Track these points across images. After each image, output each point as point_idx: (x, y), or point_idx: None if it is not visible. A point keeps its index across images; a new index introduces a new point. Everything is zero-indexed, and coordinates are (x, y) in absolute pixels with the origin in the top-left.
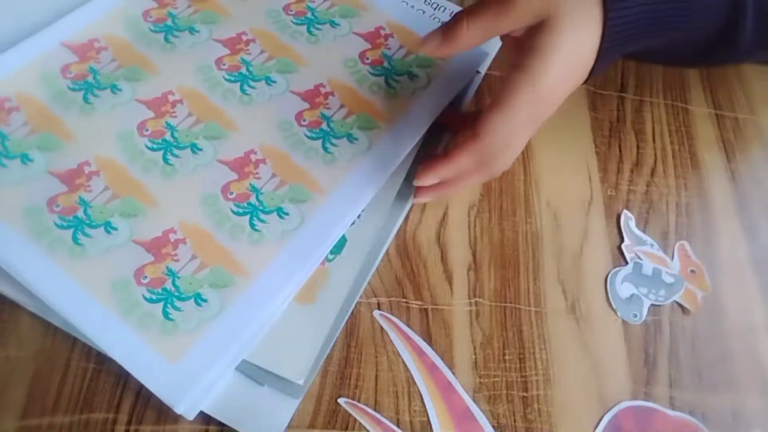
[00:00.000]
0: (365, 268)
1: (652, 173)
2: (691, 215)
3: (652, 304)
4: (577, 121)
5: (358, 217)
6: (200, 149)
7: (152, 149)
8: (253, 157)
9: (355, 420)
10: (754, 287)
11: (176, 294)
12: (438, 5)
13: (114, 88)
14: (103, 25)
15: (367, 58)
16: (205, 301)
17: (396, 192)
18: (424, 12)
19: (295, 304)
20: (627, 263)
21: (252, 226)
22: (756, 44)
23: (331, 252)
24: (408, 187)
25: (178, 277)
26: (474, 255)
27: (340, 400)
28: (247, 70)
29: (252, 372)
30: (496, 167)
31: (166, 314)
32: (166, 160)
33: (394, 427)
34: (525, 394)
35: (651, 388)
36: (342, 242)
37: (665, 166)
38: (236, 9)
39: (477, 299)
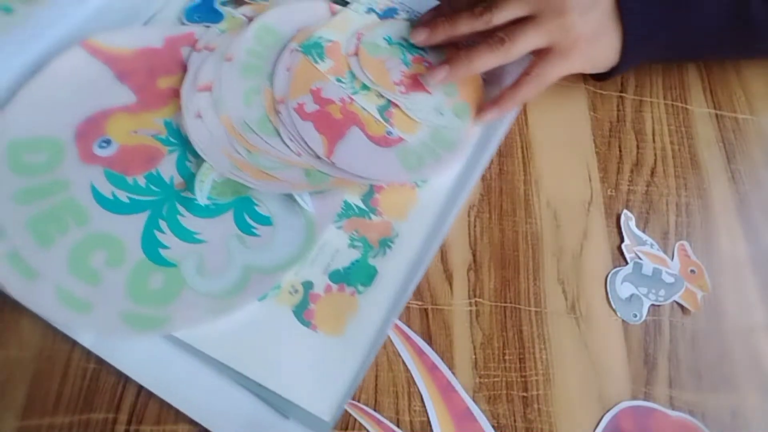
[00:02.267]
0: (397, 301)
1: (652, 173)
2: (691, 215)
3: (652, 304)
4: (577, 121)
5: (390, 249)
6: None
7: None
8: None
9: (355, 420)
10: (754, 287)
11: None
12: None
13: None
14: None
15: None
16: None
17: (429, 228)
18: None
19: (322, 335)
20: (627, 263)
21: None
22: None
23: (362, 284)
24: (443, 222)
25: None
26: (474, 255)
27: None
28: None
29: (278, 403)
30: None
31: None
32: None
33: (394, 427)
34: (525, 394)
35: (651, 388)
36: (373, 274)
37: (665, 166)
38: None
39: (477, 299)
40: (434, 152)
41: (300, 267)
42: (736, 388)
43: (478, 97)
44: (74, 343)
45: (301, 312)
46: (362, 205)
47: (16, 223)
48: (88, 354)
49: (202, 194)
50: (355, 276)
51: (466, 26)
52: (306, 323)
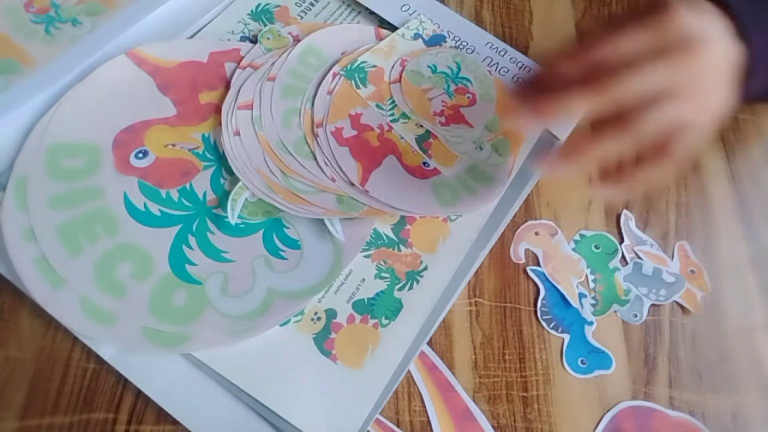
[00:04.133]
0: (420, 336)
1: None
2: (691, 215)
3: (652, 304)
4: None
5: (417, 282)
6: None
7: None
8: None
9: None
10: (754, 287)
11: None
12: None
13: None
14: None
15: None
16: None
17: (458, 263)
18: None
19: (342, 366)
20: (627, 263)
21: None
22: None
23: (386, 317)
24: (473, 258)
25: None
26: None
27: None
28: None
29: (288, 431)
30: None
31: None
32: None
33: (394, 427)
34: (525, 394)
35: (651, 388)
36: (398, 307)
37: None
38: None
39: (477, 299)
40: (470, 187)
41: (324, 294)
42: (736, 389)
43: (519, 133)
44: (74, 343)
45: (322, 341)
46: (392, 236)
47: (47, 229)
48: (88, 354)
49: (233, 213)
50: (380, 308)
51: (614, 143)
52: (326, 353)
